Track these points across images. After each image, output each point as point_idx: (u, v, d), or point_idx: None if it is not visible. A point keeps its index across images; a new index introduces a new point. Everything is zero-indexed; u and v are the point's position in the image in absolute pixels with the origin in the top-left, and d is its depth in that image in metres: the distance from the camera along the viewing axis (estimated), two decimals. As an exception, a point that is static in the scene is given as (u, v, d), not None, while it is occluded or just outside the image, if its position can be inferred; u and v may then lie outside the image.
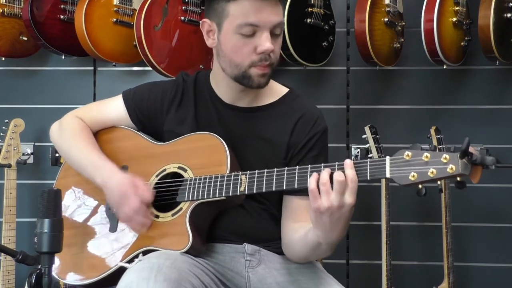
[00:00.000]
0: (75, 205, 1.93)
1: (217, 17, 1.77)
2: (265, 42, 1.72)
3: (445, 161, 1.40)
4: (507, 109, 3.07)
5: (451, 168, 1.39)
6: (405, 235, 3.08)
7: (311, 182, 1.50)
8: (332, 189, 1.48)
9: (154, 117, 1.93)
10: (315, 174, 1.51)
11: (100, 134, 1.99)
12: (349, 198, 1.48)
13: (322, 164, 1.54)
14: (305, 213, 1.66)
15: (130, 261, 1.71)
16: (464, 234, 3.05)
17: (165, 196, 1.80)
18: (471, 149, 1.39)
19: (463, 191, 2.94)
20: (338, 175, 1.48)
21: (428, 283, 2.86)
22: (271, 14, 1.72)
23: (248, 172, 1.66)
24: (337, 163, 1.52)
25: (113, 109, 1.98)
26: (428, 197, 3.00)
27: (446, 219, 2.76)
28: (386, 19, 2.83)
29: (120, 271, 1.66)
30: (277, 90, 1.91)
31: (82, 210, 1.92)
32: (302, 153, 1.82)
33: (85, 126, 1.98)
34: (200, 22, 2.80)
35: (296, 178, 1.57)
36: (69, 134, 1.96)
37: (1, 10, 2.82)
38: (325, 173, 1.50)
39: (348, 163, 1.49)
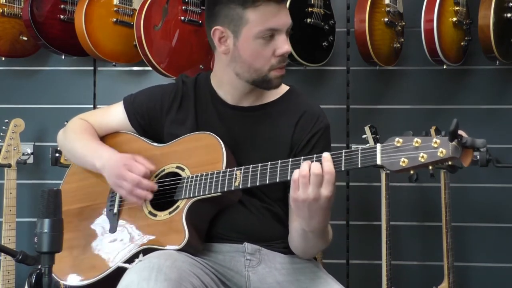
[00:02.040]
0: (76, 208, 1.94)
1: (233, 24, 1.77)
2: (283, 45, 1.76)
3: (435, 145, 1.41)
4: (507, 109, 3.07)
5: (441, 152, 1.40)
6: (405, 235, 3.08)
7: (295, 173, 1.54)
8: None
9: (154, 120, 1.95)
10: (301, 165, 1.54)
11: (101, 140, 2.01)
12: (325, 190, 1.51)
13: (314, 155, 1.56)
14: None
15: (129, 260, 1.71)
16: (464, 234, 3.05)
17: (164, 195, 1.81)
18: (461, 132, 1.39)
19: (463, 191, 2.97)
20: (315, 168, 1.51)
21: (428, 283, 2.86)
22: (286, 16, 1.78)
23: (243, 167, 1.68)
24: (315, 155, 1.56)
25: (114, 115, 2.01)
26: (428, 197, 3.01)
27: (446, 219, 2.76)
28: (386, 19, 2.83)
29: (120, 271, 1.67)
30: (277, 88, 1.92)
31: (83, 213, 1.94)
32: (305, 150, 1.83)
33: (89, 125, 2.01)
34: (200, 22, 2.83)
35: (289, 170, 1.59)
36: (72, 133, 2.00)
37: (1, 10, 2.82)
38: (305, 165, 1.53)
39: (325, 156, 1.52)
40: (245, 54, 1.78)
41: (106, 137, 2.01)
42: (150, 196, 1.78)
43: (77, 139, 1.96)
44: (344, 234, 3.08)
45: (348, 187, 3.10)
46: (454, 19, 2.82)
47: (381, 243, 2.72)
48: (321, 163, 1.51)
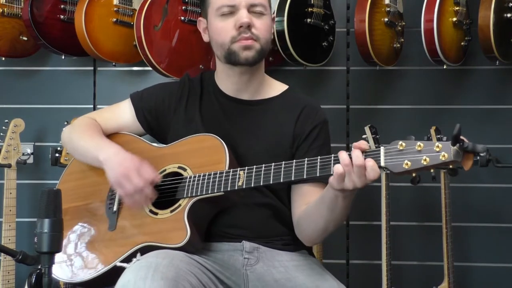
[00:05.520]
0: (76, 206, 1.94)
1: (204, 10, 1.93)
2: (241, 17, 1.83)
3: (437, 149, 1.46)
4: (507, 109, 3.07)
5: (443, 156, 1.45)
6: (405, 235, 3.08)
7: (337, 166, 1.54)
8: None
9: (161, 117, 1.98)
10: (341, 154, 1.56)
11: None
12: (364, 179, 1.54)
13: (318, 157, 1.59)
14: (315, 196, 1.73)
15: (128, 259, 1.71)
16: (464, 234, 3.05)
17: (165, 194, 1.82)
18: (462, 137, 1.44)
19: (463, 191, 2.97)
20: (358, 160, 1.52)
21: (428, 283, 2.86)
22: None
23: (247, 167, 1.70)
24: (333, 155, 1.58)
25: (121, 112, 2.03)
26: (428, 197, 3.01)
27: (446, 219, 2.76)
28: (386, 19, 2.83)
29: (118, 269, 1.67)
30: (277, 87, 2.01)
31: (82, 211, 1.94)
32: (308, 141, 1.88)
33: (95, 123, 2.02)
34: (199, 22, 2.84)
35: (293, 170, 1.62)
36: (78, 129, 2.00)
37: (1, 10, 2.82)
38: (344, 154, 1.54)
39: (371, 164, 1.53)
40: (213, 33, 1.90)
41: (108, 137, 2.01)
42: (148, 203, 1.79)
43: (81, 136, 1.97)
44: (344, 234, 3.09)
45: (348, 187, 3.09)
46: (454, 19, 2.82)
47: (381, 243, 2.72)
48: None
